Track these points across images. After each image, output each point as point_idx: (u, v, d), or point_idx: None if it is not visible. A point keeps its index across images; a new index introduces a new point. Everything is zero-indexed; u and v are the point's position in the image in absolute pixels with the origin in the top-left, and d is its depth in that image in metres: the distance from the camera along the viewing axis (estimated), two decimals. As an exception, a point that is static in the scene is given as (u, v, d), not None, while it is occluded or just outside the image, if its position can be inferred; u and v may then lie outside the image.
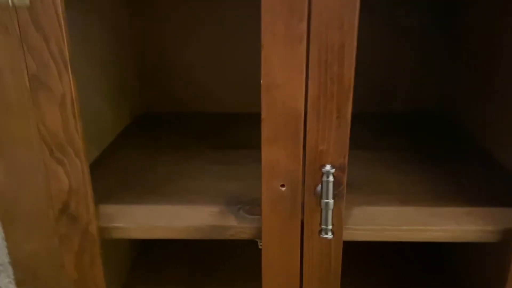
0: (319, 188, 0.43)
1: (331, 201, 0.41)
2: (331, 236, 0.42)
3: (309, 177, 0.44)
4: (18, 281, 0.51)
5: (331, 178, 0.41)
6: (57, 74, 0.43)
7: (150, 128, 0.79)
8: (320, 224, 0.43)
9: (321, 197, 0.42)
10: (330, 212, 0.42)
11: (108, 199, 0.53)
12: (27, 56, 0.42)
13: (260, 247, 0.47)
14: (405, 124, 0.79)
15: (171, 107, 0.87)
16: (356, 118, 0.42)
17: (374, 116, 0.81)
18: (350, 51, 0.40)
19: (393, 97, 0.84)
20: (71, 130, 0.45)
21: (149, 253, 0.82)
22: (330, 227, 0.42)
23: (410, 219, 0.49)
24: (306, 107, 0.42)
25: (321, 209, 0.42)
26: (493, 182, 0.56)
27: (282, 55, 0.41)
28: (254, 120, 0.49)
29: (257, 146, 0.44)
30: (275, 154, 0.43)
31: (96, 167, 0.62)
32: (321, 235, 0.43)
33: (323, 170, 0.41)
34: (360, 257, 0.78)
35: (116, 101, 0.76)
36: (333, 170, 0.41)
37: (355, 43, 0.40)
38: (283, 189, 0.44)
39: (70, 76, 0.43)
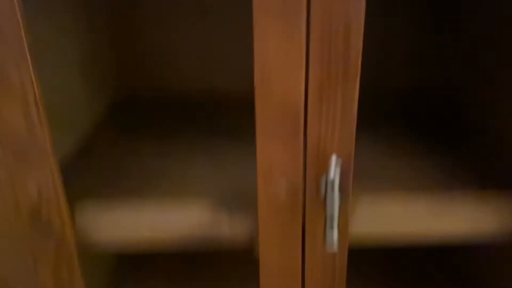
0: (322, 190, 0.38)
1: (336, 205, 0.36)
2: (336, 244, 0.38)
3: (310, 179, 0.39)
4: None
5: (336, 181, 0.36)
6: (15, 65, 0.36)
7: (130, 116, 0.73)
8: (324, 232, 0.38)
9: (325, 202, 0.37)
10: (335, 219, 0.37)
11: (85, 205, 0.47)
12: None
13: (257, 257, 0.42)
14: (404, 103, 0.74)
15: (153, 90, 0.80)
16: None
17: (370, 97, 0.76)
18: (357, 31, 0.34)
19: (390, 74, 0.78)
20: (35, 129, 0.39)
21: (134, 257, 0.77)
22: (335, 236, 0.37)
23: (422, 218, 0.44)
24: (306, 97, 0.36)
25: (326, 216, 0.37)
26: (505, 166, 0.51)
27: (278, 35, 0.35)
28: (245, 100, 0.43)
29: (250, 131, 0.38)
30: (272, 154, 0.38)
31: (71, 166, 0.56)
32: (326, 243, 0.38)
33: (328, 172, 0.36)
34: (362, 256, 0.74)
35: (92, 87, 0.69)
36: (338, 172, 0.36)
37: (362, 22, 0.34)
38: (282, 192, 0.39)
39: (31, 67, 0.37)
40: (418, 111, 0.71)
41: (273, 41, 0.35)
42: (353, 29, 0.34)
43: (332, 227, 0.37)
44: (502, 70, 0.58)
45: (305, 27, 0.34)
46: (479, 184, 0.46)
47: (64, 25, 0.58)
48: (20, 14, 0.35)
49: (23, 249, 0.43)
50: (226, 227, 0.43)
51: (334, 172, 0.36)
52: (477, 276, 0.66)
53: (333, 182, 0.36)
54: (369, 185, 0.48)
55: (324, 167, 0.38)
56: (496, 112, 0.60)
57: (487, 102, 0.63)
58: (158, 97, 0.79)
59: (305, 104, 0.37)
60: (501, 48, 0.59)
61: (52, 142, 0.40)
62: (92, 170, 0.54)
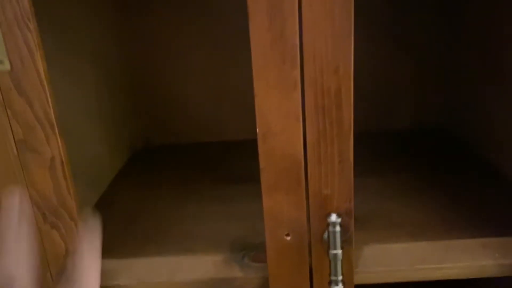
0: (326, 235, 0.41)
1: (339, 251, 0.39)
2: (342, 287, 0.40)
3: (314, 225, 0.42)
4: None
5: (337, 228, 0.39)
6: (44, 138, 0.41)
7: (149, 164, 0.77)
8: (330, 275, 0.41)
9: (328, 248, 0.40)
10: (339, 263, 0.40)
11: (107, 253, 0.51)
12: (12, 121, 0.41)
13: (269, 298, 0.45)
14: (408, 143, 0.77)
15: (170, 139, 0.85)
16: (355, 139, 0.40)
17: (374, 136, 0.79)
18: (348, 94, 0.38)
19: (393, 113, 0.81)
20: (63, 193, 0.43)
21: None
22: (340, 278, 0.40)
23: (424, 256, 0.46)
24: (305, 153, 0.40)
25: (330, 260, 0.40)
26: (509, 208, 0.53)
27: (277, 102, 0.39)
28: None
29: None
30: (277, 203, 0.41)
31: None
32: (331, 287, 0.41)
33: (329, 220, 0.39)
34: None
35: (113, 139, 0.74)
36: (339, 220, 0.39)
37: (352, 86, 0.38)
38: (288, 238, 0.42)
39: (58, 138, 0.41)
40: (420, 151, 0.73)
41: (273, 103, 0.39)
42: (344, 92, 0.38)
43: (336, 274, 0.40)
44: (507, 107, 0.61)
45: (299, 96, 0.38)
46: (481, 231, 0.49)
47: (82, 79, 0.63)
48: (49, 91, 0.40)
49: (52, 302, 0.46)
50: (239, 271, 0.46)
51: (336, 221, 0.39)
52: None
53: (334, 229, 0.39)
54: (373, 230, 0.50)
55: (326, 213, 0.41)
56: (504, 152, 0.62)
57: (492, 140, 0.66)
58: (174, 146, 0.83)
59: (304, 158, 0.40)
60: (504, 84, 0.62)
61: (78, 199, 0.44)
62: (113, 223, 0.58)
